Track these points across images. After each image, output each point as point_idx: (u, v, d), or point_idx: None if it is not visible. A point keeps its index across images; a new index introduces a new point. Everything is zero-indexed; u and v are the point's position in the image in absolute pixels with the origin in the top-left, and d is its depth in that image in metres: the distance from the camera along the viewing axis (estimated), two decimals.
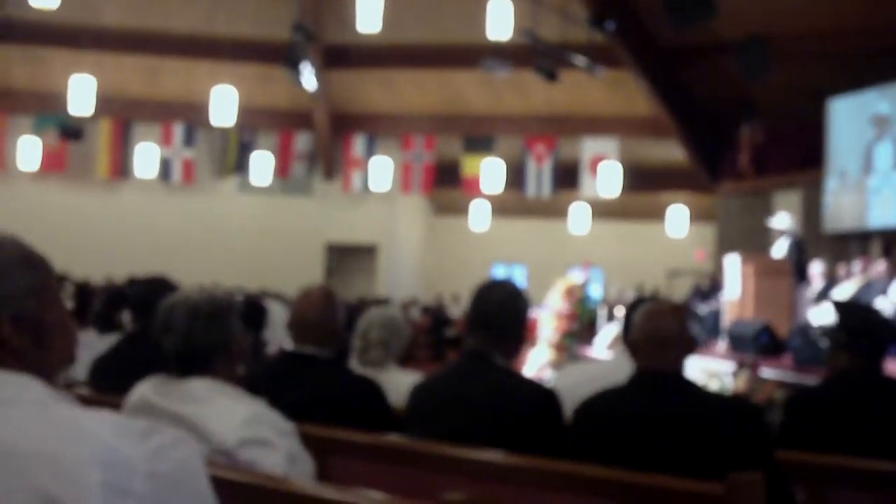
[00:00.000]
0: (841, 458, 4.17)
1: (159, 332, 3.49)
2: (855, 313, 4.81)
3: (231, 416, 3.27)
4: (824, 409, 4.65)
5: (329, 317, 4.46)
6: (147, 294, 5.47)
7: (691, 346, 3.84)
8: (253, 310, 6.11)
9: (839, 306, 5.03)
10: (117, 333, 7.11)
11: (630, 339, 3.92)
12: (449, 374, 4.35)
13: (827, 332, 4.89)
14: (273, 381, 4.17)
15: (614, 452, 3.49)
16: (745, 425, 3.57)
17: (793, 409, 4.88)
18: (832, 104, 21.66)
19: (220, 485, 2.05)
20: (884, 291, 14.31)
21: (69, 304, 10.87)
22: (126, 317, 7.27)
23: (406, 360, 5.94)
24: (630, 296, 20.10)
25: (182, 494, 1.88)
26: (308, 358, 4.38)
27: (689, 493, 3.13)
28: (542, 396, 4.08)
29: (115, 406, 3.30)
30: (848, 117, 21.29)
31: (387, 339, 5.67)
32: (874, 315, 4.82)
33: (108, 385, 4.78)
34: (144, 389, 3.38)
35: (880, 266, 15.45)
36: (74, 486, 1.75)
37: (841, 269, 16.70)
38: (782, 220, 15.23)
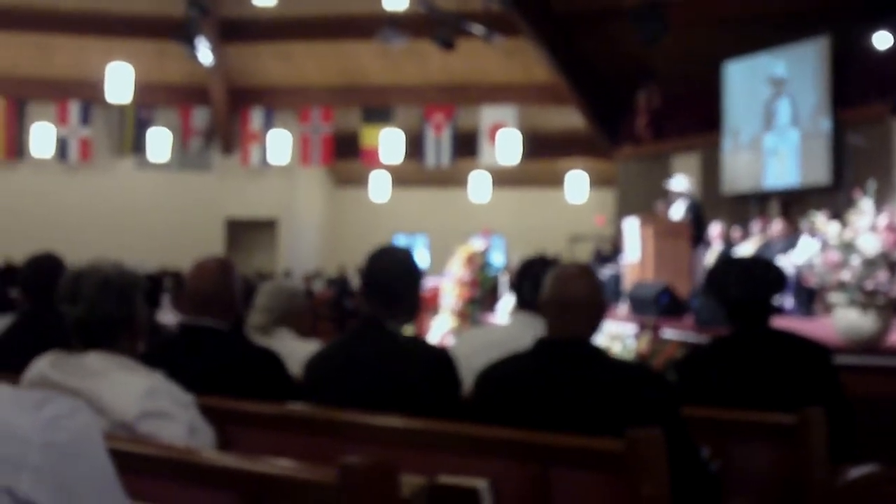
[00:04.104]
0: (739, 412, 4.22)
1: (63, 302, 3.39)
2: (734, 271, 4.83)
3: (130, 389, 3.22)
4: (712, 366, 4.72)
5: (224, 288, 4.36)
6: (34, 273, 5.42)
7: (602, 310, 3.81)
8: (151, 285, 6.03)
9: (718, 266, 5.08)
10: (13, 314, 7.00)
11: (539, 302, 3.89)
12: (344, 341, 4.38)
13: (712, 291, 4.95)
14: (170, 355, 4.12)
15: (515, 420, 3.48)
16: (648, 391, 3.55)
17: (683, 369, 4.93)
18: (727, 67, 21.92)
19: (123, 458, 2.03)
20: (783, 251, 14.52)
21: None
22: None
23: (309, 333, 5.93)
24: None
25: (80, 465, 1.82)
26: (205, 330, 4.30)
27: (589, 451, 3.14)
28: (435, 357, 4.13)
29: (13, 385, 3.24)
30: (743, 79, 21.59)
31: (270, 305, 5.73)
32: (753, 271, 4.83)
33: (4, 365, 4.70)
34: (42, 365, 3.30)
35: (778, 225, 15.68)
36: None
37: (739, 230, 16.93)
38: (680, 182, 15.38)
